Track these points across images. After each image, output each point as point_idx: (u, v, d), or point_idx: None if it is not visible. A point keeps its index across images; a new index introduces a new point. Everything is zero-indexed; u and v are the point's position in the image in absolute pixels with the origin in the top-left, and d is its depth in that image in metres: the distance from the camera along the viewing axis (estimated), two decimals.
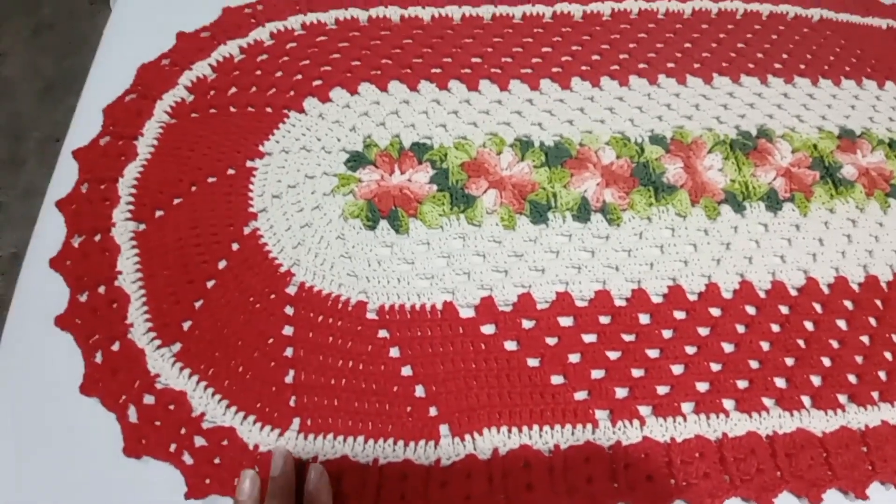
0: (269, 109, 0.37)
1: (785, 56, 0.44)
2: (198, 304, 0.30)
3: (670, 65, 0.42)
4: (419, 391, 0.29)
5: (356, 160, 0.35)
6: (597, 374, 0.30)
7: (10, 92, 0.95)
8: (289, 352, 0.29)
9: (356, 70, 0.39)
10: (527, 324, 0.31)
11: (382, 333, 0.30)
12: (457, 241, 0.33)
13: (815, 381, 0.31)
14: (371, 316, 0.31)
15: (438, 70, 0.39)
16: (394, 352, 0.30)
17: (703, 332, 0.32)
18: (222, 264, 0.31)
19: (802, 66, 0.44)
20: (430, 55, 0.40)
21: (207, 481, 0.26)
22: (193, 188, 0.34)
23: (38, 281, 0.31)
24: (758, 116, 0.40)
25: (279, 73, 0.38)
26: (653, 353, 0.31)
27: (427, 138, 0.36)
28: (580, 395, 0.29)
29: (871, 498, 0.29)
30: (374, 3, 0.42)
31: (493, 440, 0.28)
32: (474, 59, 0.40)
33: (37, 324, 0.29)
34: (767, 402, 0.30)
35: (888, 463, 0.29)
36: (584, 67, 0.41)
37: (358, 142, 0.36)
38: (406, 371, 0.29)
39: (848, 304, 0.34)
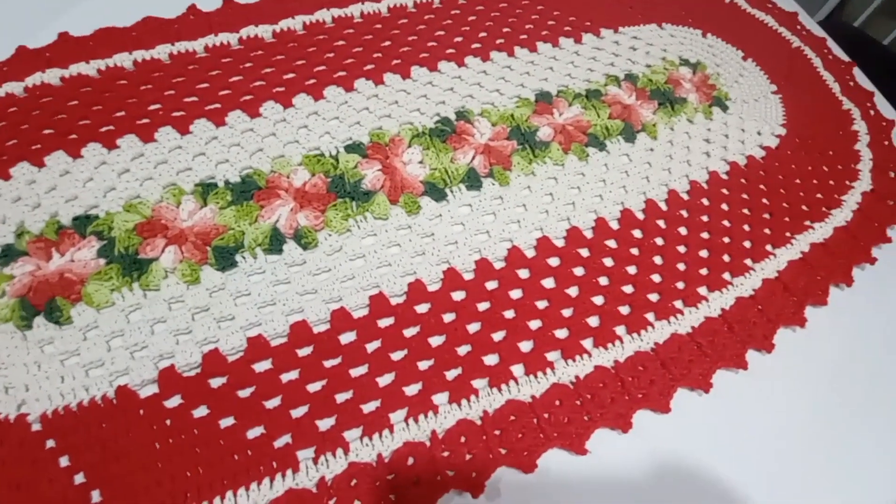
0: None
1: (483, 35, 0.46)
2: None
3: (368, 67, 0.42)
4: (95, 496, 0.26)
5: (6, 255, 0.31)
6: (298, 412, 0.29)
7: None
8: None
9: (9, 150, 0.34)
10: (216, 382, 0.29)
11: (50, 444, 0.27)
12: (133, 314, 0.30)
13: (526, 347, 0.32)
14: (35, 427, 0.27)
15: (108, 128, 0.36)
16: (63, 461, 0.26)
17: (411, 332, 0.31)
18: None
19: (500, 41, 0.45)
20: (98, 113, 0.36)
21: None
22: None
23: None
24: (456, 100, 0.41)
25: None
26: (359, 372, 0.30)
27: (93, 208, 0.33)
28: (281, 442, 0.28)
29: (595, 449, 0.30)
30: (31, 70, 0.37)
31: None
32: (151, 107, 0.37)
33: None
34: (479, 384, 0.31)
35: (606, 408, 0.31)
36: (276, 90, 0.39)
37: (9, 234, 0.32)
38: (79, 479, 0.26)
39: (553, 261, 0.36)
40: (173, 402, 0.28)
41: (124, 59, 0.39)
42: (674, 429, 0.31)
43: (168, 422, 0.27)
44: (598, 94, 0.43)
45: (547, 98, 0.42)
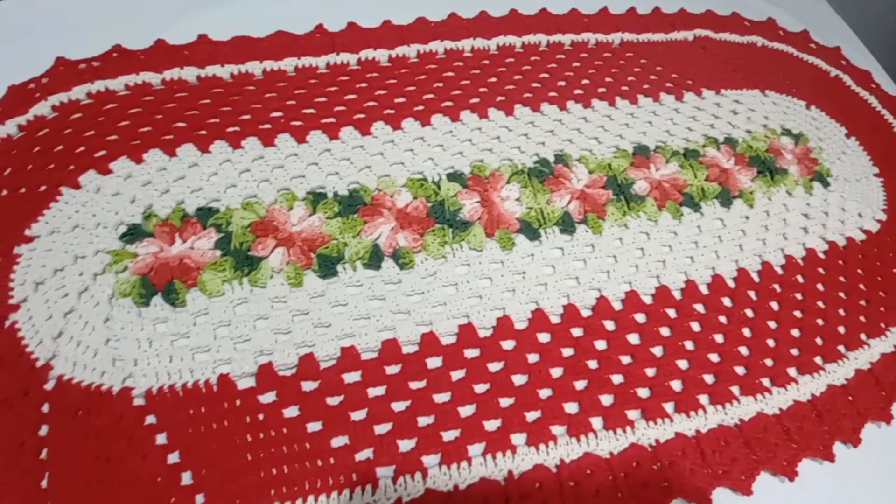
0: (42, 188, 0.35)
1: (585, 82, 0.47)
2: None
3: (474, 100, 0.43)
4: (186, 478, 0.27)
5: (133, 234, 0.33)
6: (382, 429, 0.29)
7: None
8: (44, 454, 0.27)
9: (144, 136, 0.38)
10: (309, 386, 0.30)
11: (150, 420, 0.28)
12: (239, 307, 0.32)
13: (607, 400, 0.32)
14: (138, 402, 0.29)
15: (234, 128, 0.39)
16: (160, 438, 0.28)
17: (495, 367, 0.32)
18: None
19: (602, 90, 0.46)
20: (227, 114, 0.39)
21: None
22: None
23: None
24: (556, 143, 0.42)
25: (59, 148, 0.37)
26: (442, 398, 0.30)
27: (215, 201, 0.35)
28: (362, 455, 0.28)
29: None
30: (169, 65, 0.42)
31: None
32: (274, 114, 0.40)
33: None
34: (557, 430, 0.30)
35: (685, 479, 0.30)
36: (387, 111, 0.41)
37: (137, 214, 0.34)
38: (173, 458, 0.27)
39: (640, 317, 0.35)
40: (267, 398, 0.29)
41: (254, 67, 0.42)
42: None
43: (261, 416, 0.29)
44: (696, 154, 0.43)
45: (645, 152, 0.43)
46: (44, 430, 0.27)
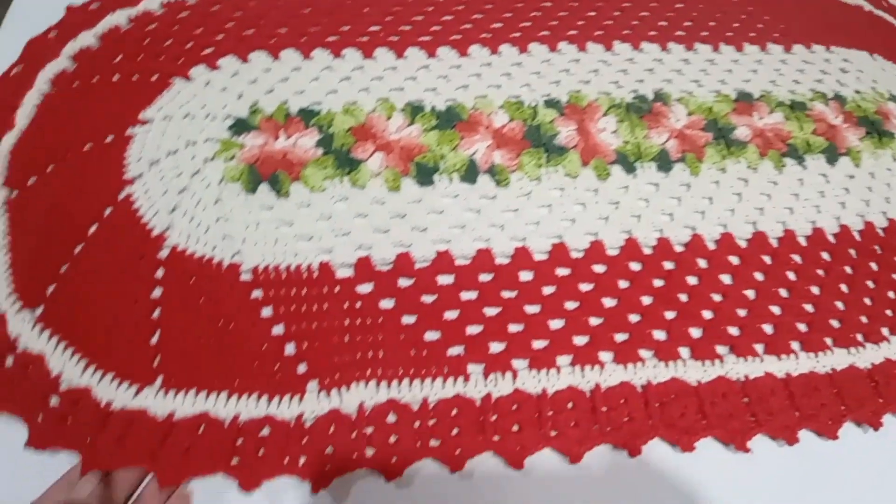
0: (154, 77, 0.36)
1: (688, 24, 0.44)
2: (64, 269, 0.29)
3: (571, 32, 0.42)
4: (289, 349, 0.28)
5: (240, 126, 0.34)
6: (473, 330, 0.30)
7: None
8: (156, 314, 0.29)
9: (249, 38, 0.38)
10: (405, 282, 0.30)
11: (256, 294, 0.29)
12: (339, 204, 0.32)
13: (696, 333, 0.31)
14: (245, 277, 0.30)
15: (334, 38, 0.39)
16: (266, 311, 0.29)
17: (586, 288, 0.32)
18: (93, 229, 0.30)
19: (704, 34, 0.44)
20: (327, 23, 0.40)
21: (49, 434, 0.25)
22: (69, 154, 0.33)
23: None
24: (656, 81, 0.40)
25: (168, 42, 0.38)
26: (532, 310, 0.30)
27: (317, 104, 0.36)
28: (454, 351, 0.29)
29: (757, 452, 0.29)
30: None
31: (361, 395, 0.27)
32: (372, 28, 0.40)
33: None
34: (645, 353, 0.30)
35: (774, 416, 0.30)
36: (483, 35, 0.41)
37: (244, 109, 0.35)
38: (277, 330, 0.29)
39: (734, 259, 0.34)
40: (365, 288, 0.30)
41: None
42: (835, 457, 0.30)
43: (358, 304, 0.30)
44: (804, 107, 0.41)
45: (748, 99, 0.41)
46: (156, 294, 0.29)
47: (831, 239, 0.36)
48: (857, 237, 0.37)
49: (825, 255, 0.36)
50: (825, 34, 0.47)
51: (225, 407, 0.26)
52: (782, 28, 0.46)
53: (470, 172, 0.34)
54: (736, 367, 0.30)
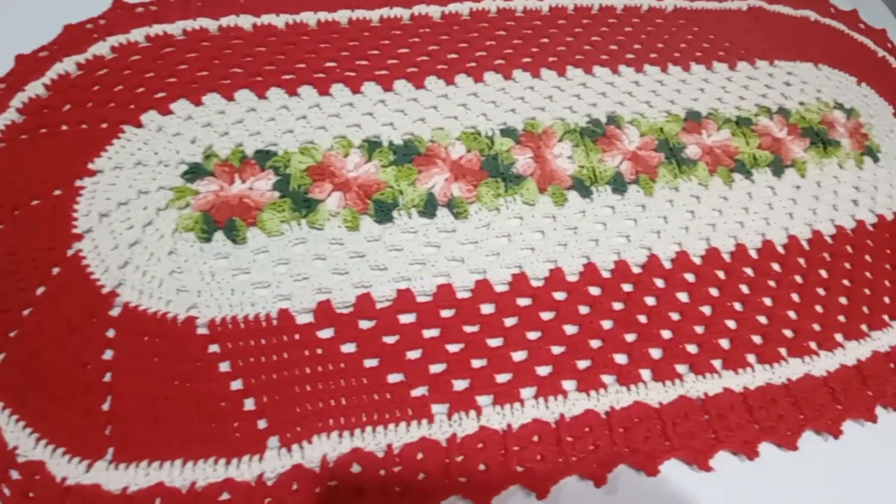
0: (104, 125, 0.35)
1: (637, 47, 0.46)
2: (13, 335, 0.28)
3: (525, 59, 0.43)
4: (248, 404, 0.28)
5: (194, 172, 0.34)
6: (436, 368, 0.30)
7: None
8: (108, 377, 0.28)
9: (202, 80, 0.38)
10: (365, 324, 0.30)
11: (213, 348, 0.29)
12: (298, 247, 0.32)
13: (656, 354, 0.32)
14: (201, 331, 0.29)
15: (290, 76, 0.39)
16: (224, 366, 0.29)
17: (547, 316, 0.32)
18: (40, 290, 0.29)
19: (653, 56, 0.45)
20: (282, 62, 0.39)
21: None
22: (16, 213, 0.32)
23: None
24: (608, 105, 0.41)
25: (119, 87, 0.37)
26: (495, 343, 0.31)
27: (272, 145, 0.35)
28: (418, 392, 0.29)
29: (719, 469, 0.29)
30: (225, 12, 0.41)
31: (324, 447, 0.27)
32: (328, 64, 0.40)
33: None
34: (607, 378, 0.31)
35: (734, 432, 0.30)
36: (440, 66, 0.41)
37: (198, 154, 0.35)
38: (236, 385, 0.28)
39: (689, 276, 0.35)
40: (326, 333, 0.30)
41: (309, 18, 0.42)
42: (797, 468, 0.30)
43: (319, 350, 0.29)
44: (749, 123, 0.43)
45: (696, 118, 0.42)
46: (108, 355, 0.29)
47: (781, 250, 0.38)
48: (806, 246, 0.39)
49: (776, 267, 0.37)
50: (770, 49, 0.50)
51: (181, 474, 0.26)
52: (727, 46, 0.48)
53: (429, 206, 0.34)
54: (696, 386, 0.31)
